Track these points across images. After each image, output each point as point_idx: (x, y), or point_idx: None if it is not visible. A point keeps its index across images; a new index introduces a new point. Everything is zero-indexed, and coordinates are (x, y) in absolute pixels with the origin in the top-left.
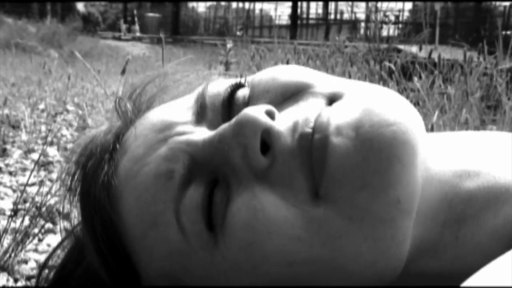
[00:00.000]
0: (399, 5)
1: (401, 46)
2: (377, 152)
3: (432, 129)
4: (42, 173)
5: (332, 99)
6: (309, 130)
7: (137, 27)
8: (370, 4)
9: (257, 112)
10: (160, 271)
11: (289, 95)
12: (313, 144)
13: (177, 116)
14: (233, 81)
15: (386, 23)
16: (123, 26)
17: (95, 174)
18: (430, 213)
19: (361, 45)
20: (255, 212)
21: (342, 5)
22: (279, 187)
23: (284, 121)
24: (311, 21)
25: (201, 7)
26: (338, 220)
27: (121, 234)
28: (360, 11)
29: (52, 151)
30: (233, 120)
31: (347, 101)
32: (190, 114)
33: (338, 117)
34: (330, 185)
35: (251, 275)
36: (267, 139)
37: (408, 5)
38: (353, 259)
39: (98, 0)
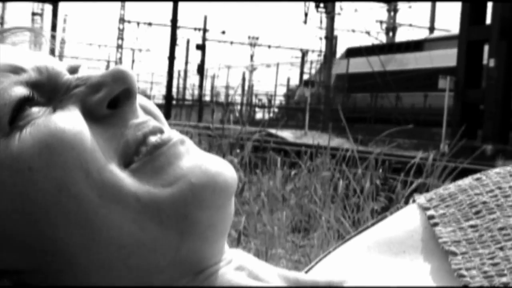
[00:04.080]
0: (272, 89)
1: (273, 130)
2: (206, 175)
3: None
4: None
5: None
6: (157, 124)
7: None
8: (246, 87)
9: (132, 71)
10: None
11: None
12: (163, 140)
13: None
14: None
15: (259, 106)
16: None
17: None
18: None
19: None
20: (72, 126)
21: (218, 87)
22: (101, 134)
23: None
24: (186, 102)
25: None
26: (127, 190)
27: None
28: (237, 93)
29: None
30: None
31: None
32: (66, 64)
33: (191, 143)
34: (148, 168)
35: (18, 176)
36: (122, 99)
37: (282, 89)
38: (108, 226)
39: None
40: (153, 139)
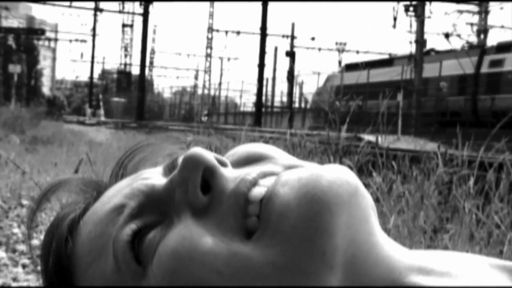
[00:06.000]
0: None
1: (364, 136)
2: (313, 202)
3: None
4: None
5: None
6: (251, 177)
7: (102, 111)
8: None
9: (204, 151)
10: None
11: (252, 160)
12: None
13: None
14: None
15: (348, 112)
16: (88, 111)
17: (64, 216)
18: None
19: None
20: (183, 240)
21: (307, 94)
22: (212, 224)
23: (235, 171)
24: (275, 109)
25: (167, 93)
26: (258, 263)
27: (72, 267)
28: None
29: (0, 253)
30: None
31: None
32: (161, 168)
33: (288, 174)
34: (266, 233)
35: None
36: (209, 178)
37: None
38: None
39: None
40: (255, 192)
